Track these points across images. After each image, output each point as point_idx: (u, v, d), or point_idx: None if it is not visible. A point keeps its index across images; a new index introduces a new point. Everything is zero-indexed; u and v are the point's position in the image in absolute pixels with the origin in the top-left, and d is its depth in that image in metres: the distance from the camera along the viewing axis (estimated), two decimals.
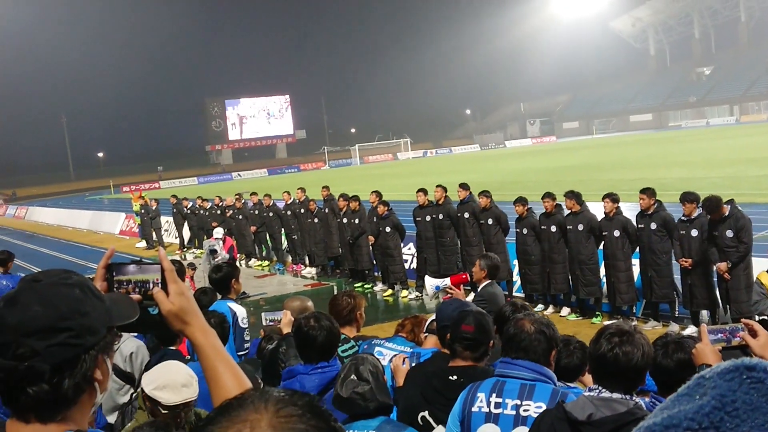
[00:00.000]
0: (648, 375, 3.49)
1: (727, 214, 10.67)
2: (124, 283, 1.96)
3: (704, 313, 11.34)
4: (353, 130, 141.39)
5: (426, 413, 4.23)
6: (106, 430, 5.89)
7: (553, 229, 13.10)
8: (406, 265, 16.77)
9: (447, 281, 7.27)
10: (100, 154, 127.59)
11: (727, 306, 10.92)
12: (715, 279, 11.17)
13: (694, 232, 11.09)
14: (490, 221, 14.32)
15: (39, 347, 1.60)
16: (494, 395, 3.69)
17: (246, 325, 7.35)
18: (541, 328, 3.71)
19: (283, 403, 1.16)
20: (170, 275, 1.94)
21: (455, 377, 4.20)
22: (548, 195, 13.22)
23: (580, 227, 12.66)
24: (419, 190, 15.81)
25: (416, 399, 4.31)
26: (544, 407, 3.51)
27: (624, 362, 3.14)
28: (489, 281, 8.20)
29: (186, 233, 27.07)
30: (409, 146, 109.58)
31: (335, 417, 1.19)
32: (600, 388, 3.20)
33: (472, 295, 8.61)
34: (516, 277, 14.43)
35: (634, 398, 3.19)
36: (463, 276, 7.62)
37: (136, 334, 6.26)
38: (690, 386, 0.90)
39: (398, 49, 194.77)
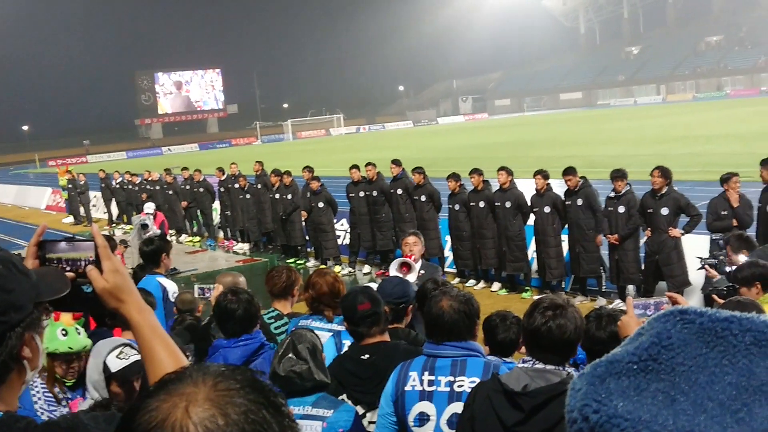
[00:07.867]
0: (579, 348, 3.56)
1: (663, 192, 10.93)
2: (56, 261, 1.91)
3: (630, 288, 11.61)
4: (285, 106, 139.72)
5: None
6: None
7: (482, 204, 13.21)
8: (339, 241, 16.78)
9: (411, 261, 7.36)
10: (25, 127, 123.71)
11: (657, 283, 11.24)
12: (642, 255, 11.45)
13: (621, 209, 11.32)
14: (423, 198, 14.36)
15: None
16: (426, 373, 3.72)
17: (175, 300, 7.30)
18: (459, 307, 3.72)
19: (222, 377, 1.15)
20: (104, 252, 1.89)
21: (367, 356, 4.26)
22: (475, 171, 13.33)
23: (508, 204, 12.79)
24: (352, 167, 15.80)
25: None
26: (479, 381, 3.55)
27: (557, 335, 3.19)
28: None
29: (114, 209, 26.63)
30: (342, 122, 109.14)
31: (276, 392, 1.18)
32: (533, 359, 3.25)
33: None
34: (448, 253, 14.55)
35: (566, 369, 3.25)
36: (412, 257, 7.73)
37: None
38: (632, 336, 1.03)
39: (332, 24, 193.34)
